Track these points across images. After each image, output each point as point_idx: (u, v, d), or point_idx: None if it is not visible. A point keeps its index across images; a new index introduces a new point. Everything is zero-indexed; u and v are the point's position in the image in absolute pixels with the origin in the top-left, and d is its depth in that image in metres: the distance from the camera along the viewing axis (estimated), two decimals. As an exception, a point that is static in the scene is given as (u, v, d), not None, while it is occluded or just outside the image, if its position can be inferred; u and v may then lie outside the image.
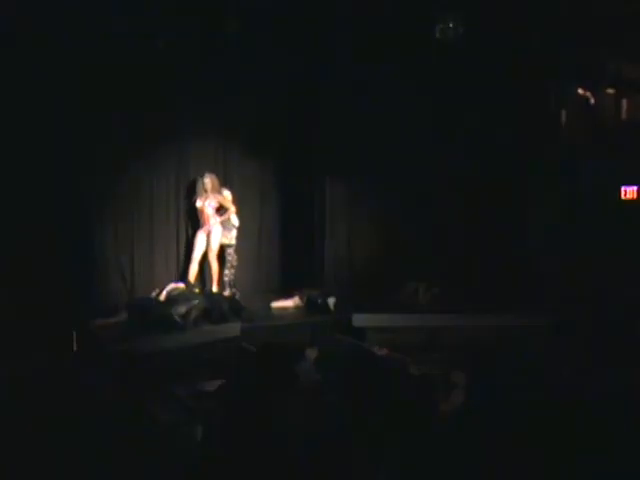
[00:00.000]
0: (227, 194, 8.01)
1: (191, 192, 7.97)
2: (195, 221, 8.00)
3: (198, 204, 7.84)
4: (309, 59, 8.19)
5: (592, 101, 7.97)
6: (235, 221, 8.04)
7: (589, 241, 7.54)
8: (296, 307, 8.08)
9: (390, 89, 8.14)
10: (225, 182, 8.13)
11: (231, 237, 8.04)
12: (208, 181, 7.81)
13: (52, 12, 6.26)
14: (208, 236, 7.86)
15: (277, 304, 8.11)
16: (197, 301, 7.05)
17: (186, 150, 8.09)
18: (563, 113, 8.15)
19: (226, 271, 7.99)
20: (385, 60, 7.86)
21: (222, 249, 8.01)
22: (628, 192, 7.74)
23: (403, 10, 7.23)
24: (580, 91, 8.01)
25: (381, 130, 8.22)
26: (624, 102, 7.85)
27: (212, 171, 7.94)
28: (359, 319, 7.33)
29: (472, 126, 8.19)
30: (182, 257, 8.06)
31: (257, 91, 8.23)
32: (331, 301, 7.87)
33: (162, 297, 7.26)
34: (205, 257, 7.95)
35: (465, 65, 7.83)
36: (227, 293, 7.87)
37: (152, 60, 7.19)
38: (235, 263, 8.07)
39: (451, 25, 6.76)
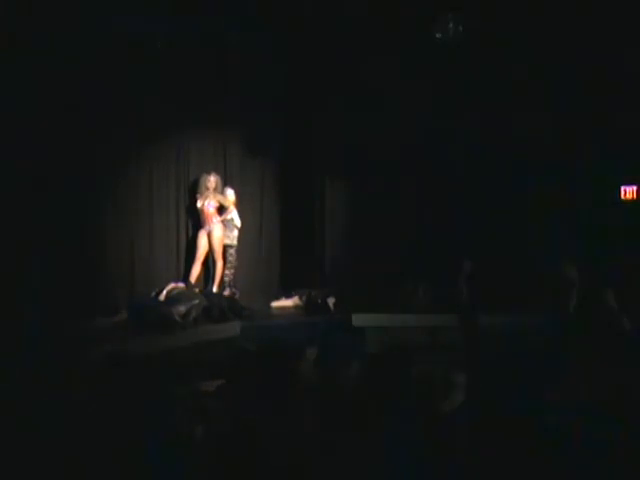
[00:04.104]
0: (230, 193, 8.03)
1: (192, 192, 7.99)
2: (196, 221, 8.01)
3: (198, 204, 7.86)
4: (309, 58, 8.20)
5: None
6: (237, 221, 8.06)
7: (589, 241, 7.54)
8: (296, 307, 8.09)
9: (390, 88, 8.15)
10: (225, 182, 8.15)
11: (233, 237, 8.06)
12: (213, 180, 7.84)
13: (52, 12, 6.26)
14: (209, 236, 7.88)
15: (277, 304, 8.12)
16: (197, 301, 7.06)
17: (186, 150, 8.10)
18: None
19: (226, 271, 8.00)
20: (385, 59, 7.88)
21: (224, 249, 8.02)
22: (628, 192, 7.74)
23: (403, 9, 7.25)
24: None
25: (381, 130, 8.23)
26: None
27: (212, 171, 7.96)
28: (359, 319, 7.34)
29: (472, 126, 8.20)
30: (182, 257, 8.07)
31: (257, 91, 8.24)
32: (331, 301, 7.88)
33: (162, 297, 7.26)
34: (207, 257, 7.97)
35: (465, 64, 7.84)
36: (227, 293, 7.88)
37: (152, 60, 7.20)
38: (235, 263, 8.08)
39: (451, 25, 6.77)
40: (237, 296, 7.86)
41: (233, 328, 6.94)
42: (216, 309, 7.22)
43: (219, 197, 7.91)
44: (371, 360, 3.85)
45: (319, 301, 7.92)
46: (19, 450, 3.03)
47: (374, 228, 8.50)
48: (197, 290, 7.61)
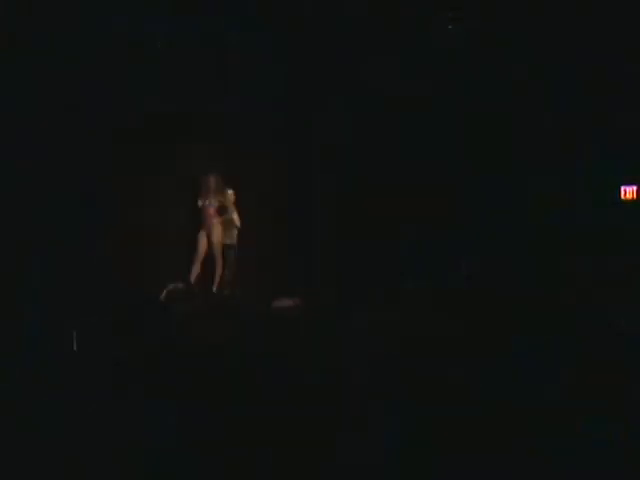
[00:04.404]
0: (230, 193, 8.04)
1: (192, 191, 7.99)
2: (197, 221, 8.01)
3: (198, 204, 7.89)
4: (309, 58, 8.20)
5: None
6: (237, 221, 8.07)
7: (589, 241, 7.54)
8: (296, 307, 8.07)
9: (390, 88, 8.15)
10: (225, 182, 8.15)
11: (233, 237, 8.07)
12: (213, 180, 7.86)
13: (52, 12, 6.27)
14: (209, 236, 7.90)
15: (277, 304, 8.11)
16: (197, 301, 7.05)
17: (186, 150, 8.10)
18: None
19: (226, 271, 8.01)
20: (385, 59, 7.87)
21: (224, 249, 8.02)
22: (628, 192, 7.74)
23: (403, 9, 7.25)
24: None
25: (381, 130, 8.23)
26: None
27: (212, 171, 7.96)
28: (358, 319, 7.32)
29: (472, 126, 8.20)
30: (182, 257, 8.07)
31: (257, 91, 8.24)
32: (331, 301, 7.88)
33: (162, 297, 7.25)
34: (207, 257, 7.97)
35: (465, 64, 7.84)
36: (227, 293, 7.88)
37: (152, 60, 7.21)
38: (235, 263, 8.08)
39: (450, 26, 6.78)
40: (237, 296, 7.85)
41: (233, 328, 6.93)
42: (216, 309, 7.21)
43: (220, 197, 7.92)
44: (371, 360, 3.85)
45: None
46: (19, 450, 3.03)
47: (374, 228, 8.49)
48: (197, 290, 7.61)
